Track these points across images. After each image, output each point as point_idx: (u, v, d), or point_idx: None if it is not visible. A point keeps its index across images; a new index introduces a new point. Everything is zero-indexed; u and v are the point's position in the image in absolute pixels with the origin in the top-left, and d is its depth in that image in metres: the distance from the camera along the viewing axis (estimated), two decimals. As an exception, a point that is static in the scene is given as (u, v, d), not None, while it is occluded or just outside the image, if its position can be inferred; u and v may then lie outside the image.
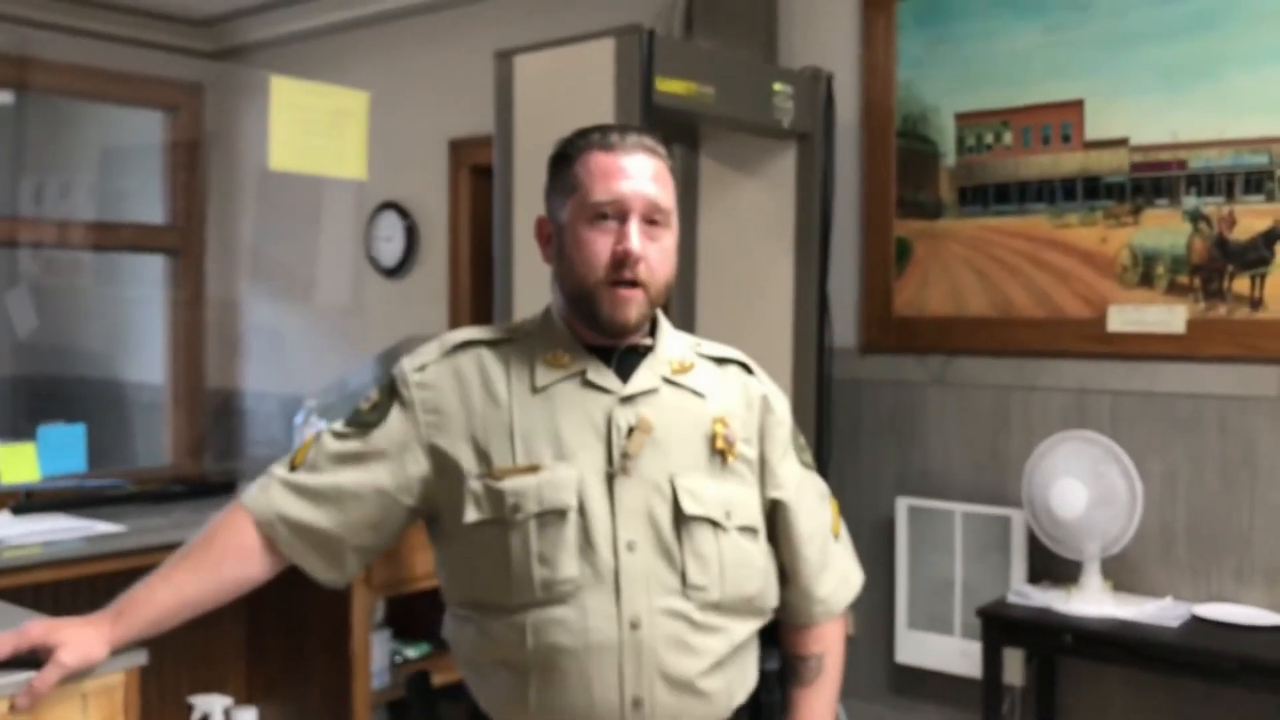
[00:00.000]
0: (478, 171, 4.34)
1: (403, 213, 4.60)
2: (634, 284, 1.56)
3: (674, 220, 1.63)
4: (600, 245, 1.56)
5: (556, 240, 1.63)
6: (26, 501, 2.96)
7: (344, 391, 4.31)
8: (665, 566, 1.55)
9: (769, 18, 3.45)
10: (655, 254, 1.58)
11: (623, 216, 1.57)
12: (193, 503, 3.12)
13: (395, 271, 4.64)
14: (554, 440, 1.56)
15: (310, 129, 3.36)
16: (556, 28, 2.94)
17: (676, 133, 3.32)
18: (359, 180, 3.74)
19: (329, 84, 3.54)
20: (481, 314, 4.21)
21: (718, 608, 1.58)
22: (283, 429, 4.01)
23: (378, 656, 3.11)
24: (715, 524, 1.58)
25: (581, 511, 1.54)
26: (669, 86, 2.71)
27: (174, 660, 2.99)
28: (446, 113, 4.38)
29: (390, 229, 4.64)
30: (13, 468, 2.90)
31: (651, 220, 1.58)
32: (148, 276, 5.09)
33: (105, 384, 5.29)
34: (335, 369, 4.49)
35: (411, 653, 3.29)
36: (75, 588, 2.57)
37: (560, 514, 1.53)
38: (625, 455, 1.55)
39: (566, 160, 1.62)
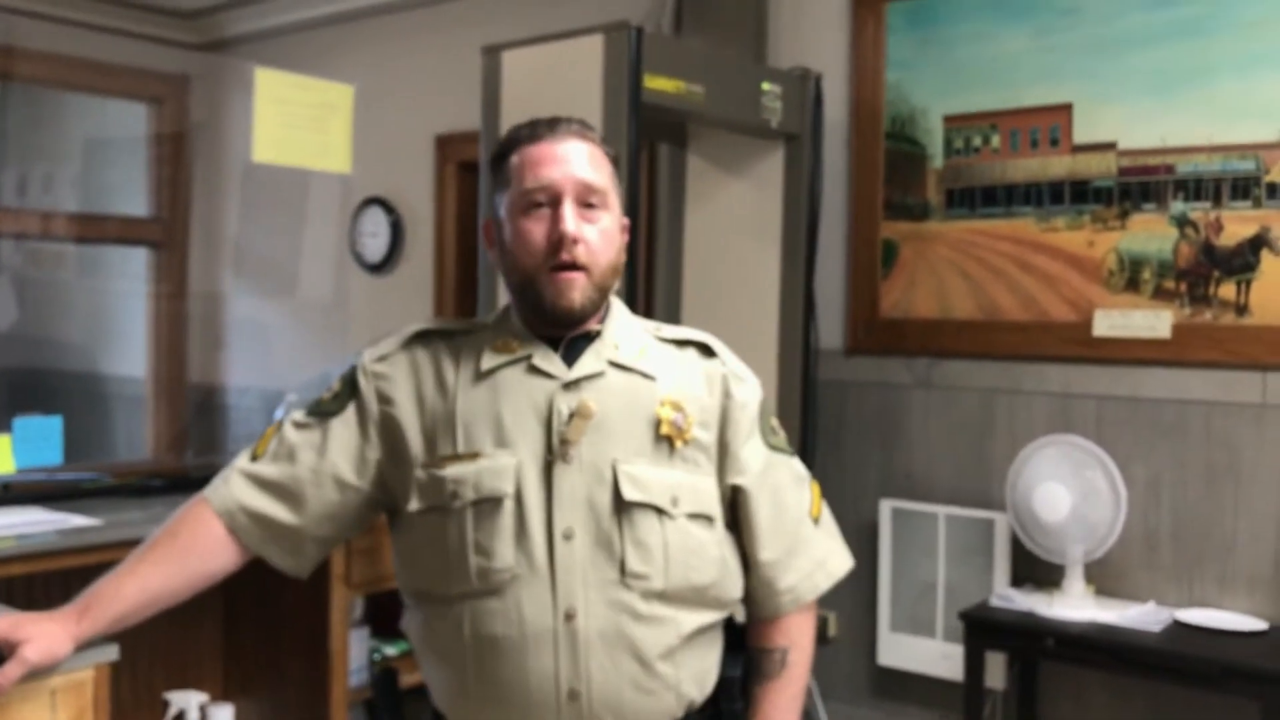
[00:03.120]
0: (464, 167, 4.32)
1: (388, 208, 4.58)
2: (575, 267, 1.54)
3: (612, 202, 1.60)
4: (537, 233, 1.55)
5: (498, 238, 1.61)
6: (3, 494, 2.93)
7: (326, 387, 4.28)
8: (604, 556, 1.52)
9: (758, 17, 3.44)
10: (594, 236, 1.56)
11: (555, 201, 1.55)
12: (171, 497, 3.07)
13: (380, 267, 4.61)
14: (495, 427, 1.55)
15: (295, 122, 3.34)
16: (545, 23, 2.92)
17: (664, 131, 3.31)
18: (344, 175, 3.72)
19: (315, 78, 3.52)
20: (466, 310, 4.19)
21: (663, 597, 1.54)
22: (265, 423, 3.98)
23: (356, 654, 3.09)
24: (660, 510, 1.54)
25: (518, 499, 1.52)
26: (657, 84, 2.69)
27: (149, 656, 2.97)
28: (433, 108, 4.36)
29: (375, 225, 4.62)
30: (-13, 459, 2.88)
31: (587, 203, 1.57)
32: (131, 269, 5.06)
33: (86, 377, 5.25)
34: (318, 364, 4.46)
35: (390, 650, 3.27)
36: (48, 581, 2.54)
37: (496, 502, 1.52)
38: (564, 442, 1.53)
39: (503, 158, 1.61)
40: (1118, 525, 2.79)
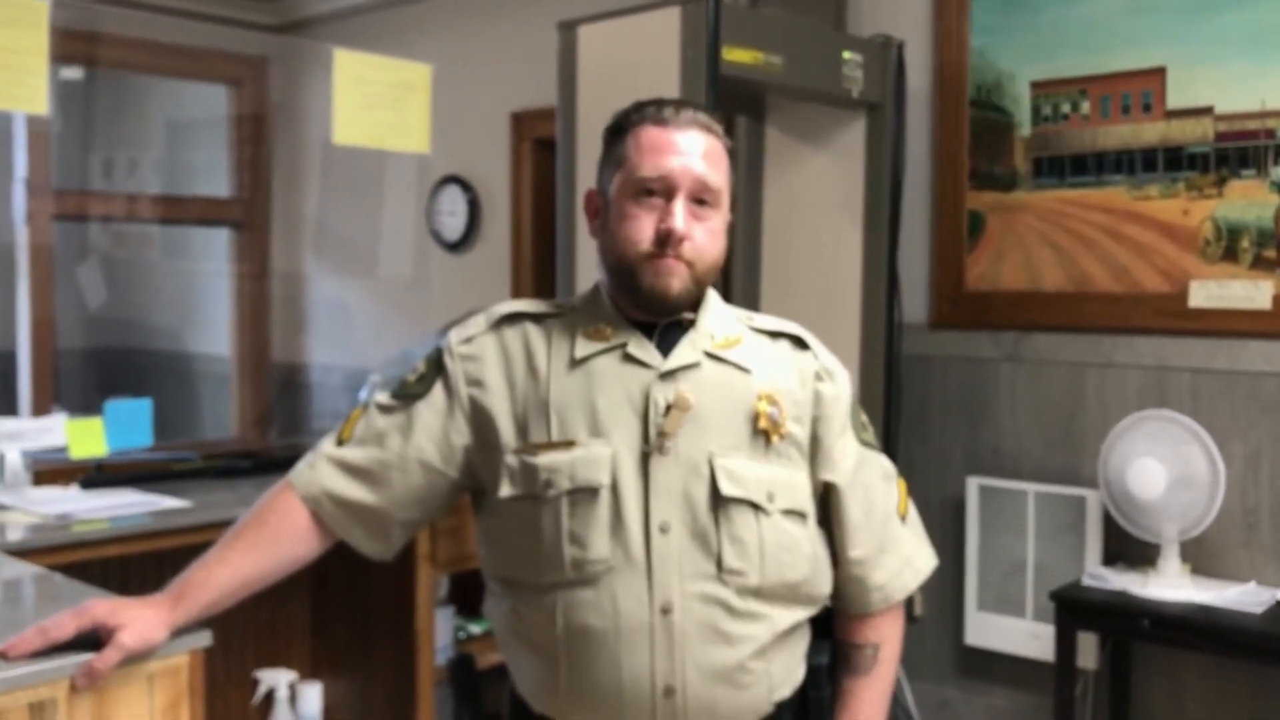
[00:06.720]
0: (540, 144, 4.31)
1: (465, 186, 4.58)
2: (678, 257, 1.52)
3: (724, 201, 1.57)
4: (644, 222, 1.52)
5: (603, 214, 1.59)
6: (97, 475, 2.99)
7: (408, 365, 4.31)
8: (700, 550, 1.50)
9: (838, -16, 3.37)
10: (701, 234, 1.54)
11: (669, 194, 1.52)
12: (258, 478, 3.13)
13: (458, 245, 4.63)
14: (590, 416, 1.53)
15: (373, 102, 3.34)
16: (621, -3, 2.89)
17: (742, 103, 3.26)
18: (422, 154, 3.72)
19: (392, 57, 3.52)
20: (544, 288, 4.18)
21: (758, 594, 1.52)
22: (348, 402, 4.02)
23: (441, 632, 3.11)
24: (756, 507, 1.52)
25: (614, 490, 1.50)
26: (736, 56, 2.65)
27: (240, 635, 3.02)
28: (509, 85, 4.35)
29: (453, 203, 4.63)
30: (81, 442, 2.93)
31: (700, 200, 1.54)
32: (214, 249, 5.14)
33: (173, 356, 5.35)
34: (400, 343, 4.50)
35: (475, 629, 3.29)
36: (142, 563, 2.59)
37: (592, 492, 1.50)
38: (662, 434, 1.51)
39: (619, 133, 1.58)
40: (1216, 503, 2.71)
